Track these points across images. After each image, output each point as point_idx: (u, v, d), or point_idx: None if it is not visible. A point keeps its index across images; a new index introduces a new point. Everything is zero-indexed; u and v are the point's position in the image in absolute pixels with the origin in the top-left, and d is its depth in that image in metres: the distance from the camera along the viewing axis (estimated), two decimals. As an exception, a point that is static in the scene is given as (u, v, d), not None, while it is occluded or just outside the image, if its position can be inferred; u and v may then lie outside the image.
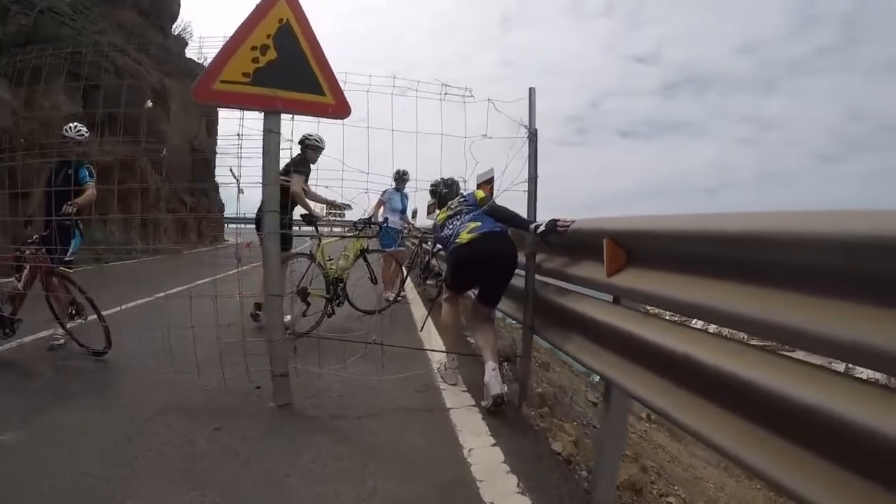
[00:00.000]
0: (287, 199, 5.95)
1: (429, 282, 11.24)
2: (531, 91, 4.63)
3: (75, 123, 6.18)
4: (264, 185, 4.30)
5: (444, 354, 5.48)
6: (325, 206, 8.48)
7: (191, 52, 31.48)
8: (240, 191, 4.57)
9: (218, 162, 26.14)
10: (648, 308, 3.23)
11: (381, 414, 4.31)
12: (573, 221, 4.08)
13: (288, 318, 6.71)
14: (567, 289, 4.26)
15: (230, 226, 44.15)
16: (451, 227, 5.14)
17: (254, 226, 6.50)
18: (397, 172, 9.91)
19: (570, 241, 4.10)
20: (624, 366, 3.05)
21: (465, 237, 4.89)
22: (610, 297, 3.53)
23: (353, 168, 4.50)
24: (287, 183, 6.47)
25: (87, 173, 6.08)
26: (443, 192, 5.65)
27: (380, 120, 4.60)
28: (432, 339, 6.98)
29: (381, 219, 9.76)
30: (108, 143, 10.41)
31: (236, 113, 4.34)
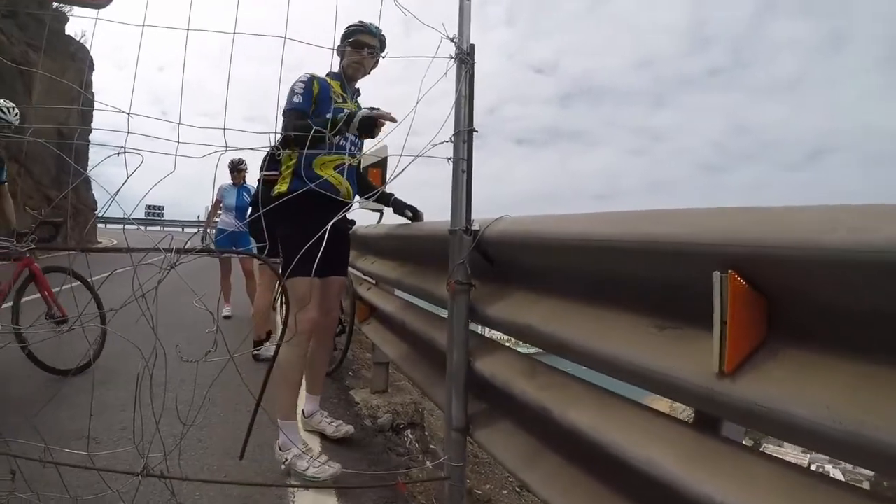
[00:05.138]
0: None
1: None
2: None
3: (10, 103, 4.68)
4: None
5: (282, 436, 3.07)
6: None
7: (71, 30, 26.88)
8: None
9: (92, 154, 22.79)
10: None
11: None
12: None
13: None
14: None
15: (106, 226, 40.97)
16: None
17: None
18: (231, 163, 7.63)
19: (566, 261, 1.94)
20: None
21: (338, 179, 3.33)
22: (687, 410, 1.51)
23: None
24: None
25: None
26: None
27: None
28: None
29: (219, 223, 7.80)
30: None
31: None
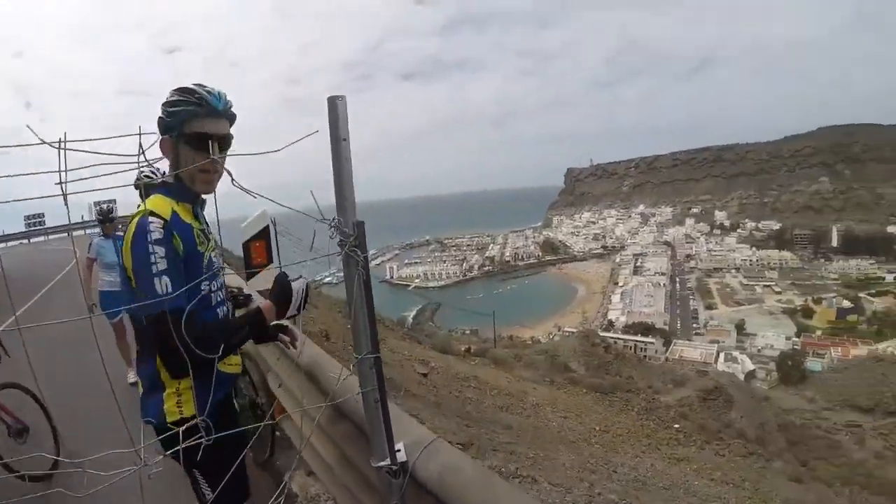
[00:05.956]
0: None
1: None
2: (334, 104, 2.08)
3: None
4: None
5: None
6: None
7: None
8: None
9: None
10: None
11: None
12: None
13: None
14: None
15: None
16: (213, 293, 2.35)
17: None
18: (101, 212, 6.77)
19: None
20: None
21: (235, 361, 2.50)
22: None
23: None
24: None
25: None
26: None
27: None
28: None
29: (99, 284, 6.89)
30: None
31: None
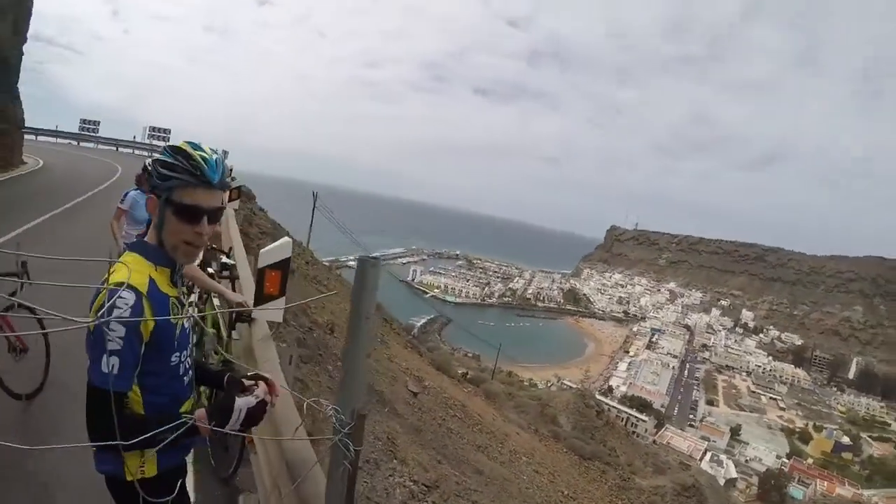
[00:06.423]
0: None
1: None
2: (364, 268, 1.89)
3: None
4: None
5: None
6: None
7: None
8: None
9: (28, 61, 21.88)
10: None
11: None
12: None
13: None
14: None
15: (37, 138, 38.81)
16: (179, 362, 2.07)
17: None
18: (149, 166, 6.46)
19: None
20: None
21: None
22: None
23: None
24: None
25: None
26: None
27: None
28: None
29: (122, 236, 6.38)
30: None
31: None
